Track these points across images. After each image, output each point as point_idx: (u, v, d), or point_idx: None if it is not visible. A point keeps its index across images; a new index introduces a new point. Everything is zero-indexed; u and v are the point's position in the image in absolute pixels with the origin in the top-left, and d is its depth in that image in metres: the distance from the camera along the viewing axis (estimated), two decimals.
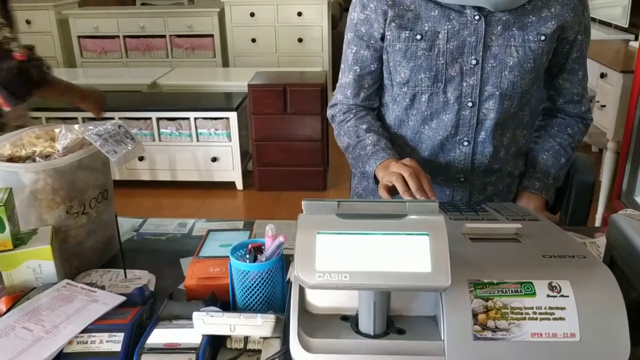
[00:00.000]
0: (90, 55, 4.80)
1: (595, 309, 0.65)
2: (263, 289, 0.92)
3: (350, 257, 0.62)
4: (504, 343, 0.64)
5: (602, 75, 2.92)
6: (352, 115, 1.29)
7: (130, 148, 1.11)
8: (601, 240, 0.95)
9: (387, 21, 1.20)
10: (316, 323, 0.69)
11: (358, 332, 0.68)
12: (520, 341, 0.64)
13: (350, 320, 0.70)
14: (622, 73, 2.73)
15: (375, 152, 1.19)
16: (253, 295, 0.92)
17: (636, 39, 3.30)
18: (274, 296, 0.94)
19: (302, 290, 0.69)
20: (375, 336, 0.67)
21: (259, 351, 0.87)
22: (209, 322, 0.80)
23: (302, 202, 0.69)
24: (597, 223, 2.86)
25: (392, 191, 1.08)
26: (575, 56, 1.27)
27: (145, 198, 3.54)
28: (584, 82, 1.32)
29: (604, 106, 2.90)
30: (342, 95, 1.31)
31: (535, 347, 0.64)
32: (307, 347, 0.65)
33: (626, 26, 3.61)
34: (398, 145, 1.30)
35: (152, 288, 1.06)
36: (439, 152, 1.27)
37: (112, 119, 1.22)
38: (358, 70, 1.28)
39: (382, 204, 0.69)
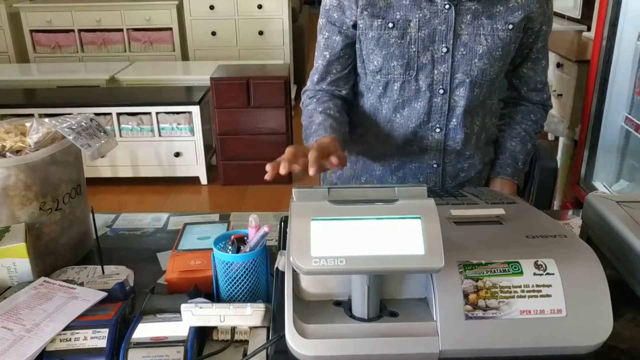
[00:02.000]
0: (44, 50, 4.64)
1: (580, 285, 0.67)
2: (248, 279, 0.92)
3: (345, 242, 0.62)
4: (495, 321, 0.66)
5: (558, 65, 3.01)
6: (315, 100, 1.30)
7: (103, 141, 1.09)
8: (574, 221, 0.98)
9: (360, 9, 1.20)
10: (310, 309, 0.69)
11: (352, 316, 0.68)
12: (510, 319, 0.66)
13: (343, 305, 0.70)
14: (576, 63, 2.82)
15: (316, 130, 1.20)
16: (238, 286, 0.92)
17: (589, 30, 3.41)
18: (259, 286, 0.94)
19: (294, 277, 0.69)
20: (369, 320, 0.67)
21: (246, 342, 0.87)
22: (198, 314, 0.79)
23: (293, 190, 0.69)
24: (556, 207, 2.95)
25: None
26: (540, 46, 1.31)
27: (107, 195, 3.47)
28: (546, 70, 1.37)
29: (560, 95, 2.99)
30: (310, 82, 1.34)
31: (524, 323, 0.66)
32: (302, 333, 0.65)
33: (579, 17, 3.73)
34: (373, 134, 1.31)
35: (131, 283, 1.05)
36: (412, 139, 1.28)
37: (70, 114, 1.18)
38: (328, 55, 1.28)
39: (371, 190, 0.69)
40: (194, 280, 0.98)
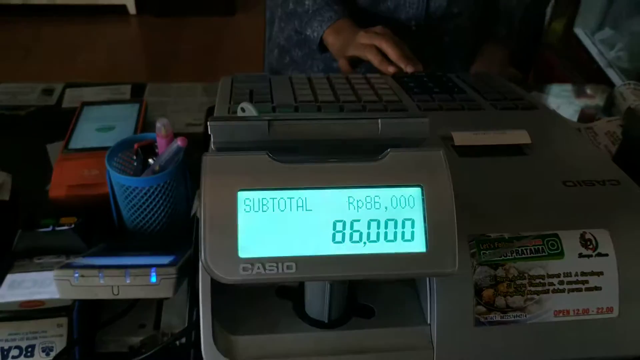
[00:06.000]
0: None
1: None
2: (159, 207, 0.66)
3: (294, 231, 0.37)
4: (518, 327, 0.44)
5: None
6: None
7: None
8: (599, 125, 0.73)
9: None
10: (240, 306, 0.46)
11: (304, 316, 0.45)
12: (540, 323, 0.44)
13: (291, 296, 0.47)
14: None
15: (318, 9, 0.90)
16: (146, 216, 0.67)
17: None
18: (176, 213, 0.69)
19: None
20: (330, 324, 0.45)
21: None
22: (78, 284, 0.54)
23: (209, 124, 0.41)
24: None
25: (355, 64, 0.87)
26: None
27: (19, 27, 2.98)
28: None
29: None
30: None
31: (559, 329, 0.45)
32: (227, 352, 0.42)
33: None
34: None
35: (6, 195, 0.78)
36: None
37: None
38: None
39: (336, 125, 0.42)
40: (87, 200, 0.72)
